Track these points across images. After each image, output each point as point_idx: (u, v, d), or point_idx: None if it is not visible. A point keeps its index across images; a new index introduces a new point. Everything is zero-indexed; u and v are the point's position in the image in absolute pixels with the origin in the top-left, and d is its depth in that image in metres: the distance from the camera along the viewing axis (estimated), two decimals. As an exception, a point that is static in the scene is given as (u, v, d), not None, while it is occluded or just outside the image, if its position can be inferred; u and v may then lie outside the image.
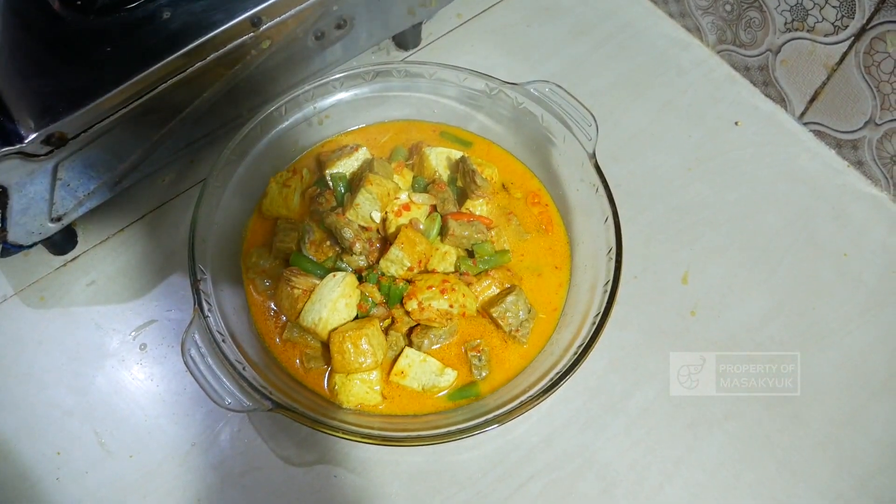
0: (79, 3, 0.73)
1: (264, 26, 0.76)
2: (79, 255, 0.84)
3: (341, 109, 0.87)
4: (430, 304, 0.70)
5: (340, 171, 0.78)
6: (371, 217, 0.73)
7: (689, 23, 1.05)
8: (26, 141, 0.66)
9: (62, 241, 0.82)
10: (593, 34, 1.05)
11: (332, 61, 0.89)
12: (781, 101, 0.98)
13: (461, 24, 1.05)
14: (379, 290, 0.71)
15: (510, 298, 0.72)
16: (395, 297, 0.71)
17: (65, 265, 0.83)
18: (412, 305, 0.70)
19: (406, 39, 1.00)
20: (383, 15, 0.91)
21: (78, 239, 0.84)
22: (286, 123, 0.84)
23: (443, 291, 0.70)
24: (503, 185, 0.83)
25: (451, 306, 0.70)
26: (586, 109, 0.80)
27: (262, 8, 0.74)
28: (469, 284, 0.73)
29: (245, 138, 0.79)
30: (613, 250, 0.71)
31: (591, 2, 1.08)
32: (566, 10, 1.07)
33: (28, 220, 0.73)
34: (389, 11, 0.91)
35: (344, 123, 0.88)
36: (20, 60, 0.71)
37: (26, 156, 0.66)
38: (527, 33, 1.05)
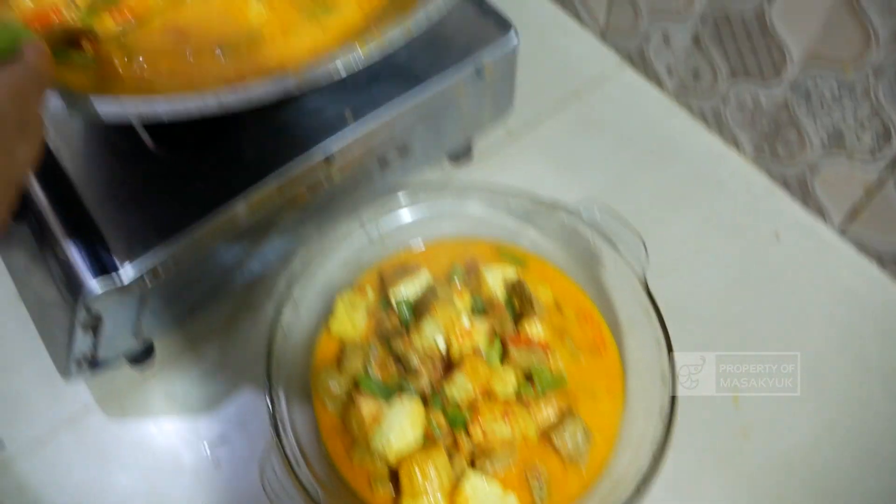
0: (171, 142, 0.81)
1: (336, 162, 0.82)
2: (156, 368, 0.89)
3: (400, 227, 0.92)
4: (493, 430, 0.73)
5: (405, 295, 0.83)
6: (435, 341, 0.78)
7: (726, 136, 1.10)
8: (124, 276, 0.72)
9: (142, 355, 0.88)
10: (635, 147, 1.10)
11: (392, 180, 0.96)
12: (821, 214, 1.02)
13: (510, 139, 1.11)
14: (444, 415, 0.75)
15: (568, 422, 0.75)
16: (458, 422, 0.74)
17: (143, 377, 0.89)
18: (477, 432, 0.73)
19: (458, 155, 1.07)
20: (439, 137, 0.97)
21: (155, 352, 0.90)
22: (350, 242, 0.89)
23: (505, 416, 0.73)
24: (556, 304, 0.87)
25: (512, 432, 0.73)
26: (636, 233, 0.84)
27: (336, 148, 0.81)
28: (528, 408, 0.76)
29: (313, 258, 0.85)
30: (668, 377, 0.74)
31: (633, 115, 1.14)
32: (609, 124, 1.13)
33: (116, 342, 0.79)
34: (445, 134, 0.98)
35: (403, 240, 0.94)
36: (116, 195, 0.78)
37: (123, 289, 0.73)
38: (572, 147, 1.11)
